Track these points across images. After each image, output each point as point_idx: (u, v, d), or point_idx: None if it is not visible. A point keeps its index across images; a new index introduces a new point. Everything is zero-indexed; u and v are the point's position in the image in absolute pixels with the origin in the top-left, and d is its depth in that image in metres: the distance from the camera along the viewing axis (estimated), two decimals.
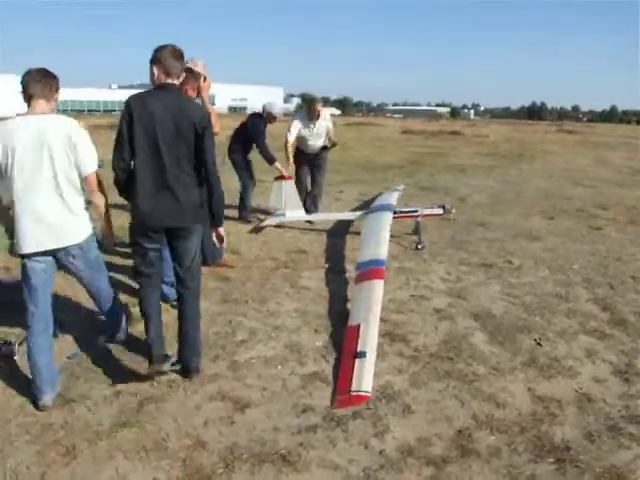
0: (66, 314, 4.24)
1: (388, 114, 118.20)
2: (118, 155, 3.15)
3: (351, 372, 3.41)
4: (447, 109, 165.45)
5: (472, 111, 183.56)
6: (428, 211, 7.01)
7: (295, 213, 7.27)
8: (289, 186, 7.26)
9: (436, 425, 3.08)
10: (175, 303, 4.10)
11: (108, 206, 3.36)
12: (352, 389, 3.26)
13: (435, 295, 5.03)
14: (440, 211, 6.99)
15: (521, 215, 8.84)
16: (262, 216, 7.75)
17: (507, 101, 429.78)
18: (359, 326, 3.88)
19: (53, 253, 3.15)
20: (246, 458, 2.76)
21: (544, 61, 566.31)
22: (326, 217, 7.70)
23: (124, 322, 3.90)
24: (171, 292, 4.19)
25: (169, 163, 3.13)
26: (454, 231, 7.50)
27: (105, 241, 3.55)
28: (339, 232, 7.25)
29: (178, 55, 3.22)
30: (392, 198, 7.47)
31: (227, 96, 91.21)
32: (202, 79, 4.11)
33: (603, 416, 3.20)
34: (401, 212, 6.85)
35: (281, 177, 7.29)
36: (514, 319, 4.53)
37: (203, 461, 2.74)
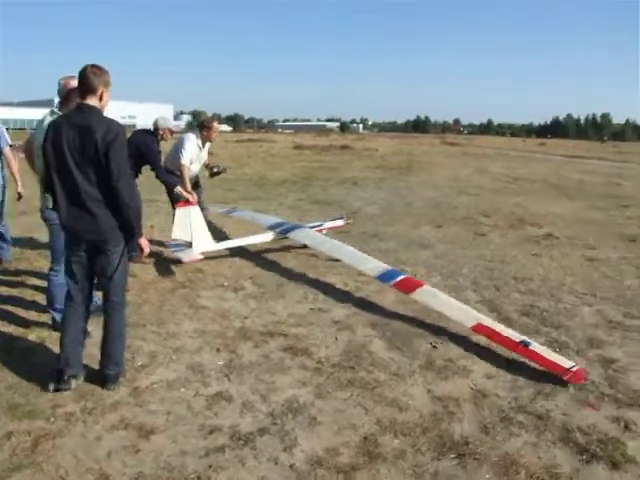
0: None
1: (279, 130, 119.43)
2: (45, 178, 3.49)
3: (543, 356, 3.85)
4: (336, 124, 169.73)
5: (361, 125, 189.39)
6: (331, 224, 7.24)
7: (204, 243, 6.38)
8: (195, 213, 6.35)
9: (343, 434, 3.13)
10: None
11: None
12: (567, 368, 3.69)
13: (334, 307, 5.13)
14: (341, 222, 7.28)
15: (412, 225, 9.23)
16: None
17: (394, 115, 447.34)
18: (481, 324, 4.27)
19: None
20: None
21: (427, 77, 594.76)
22: (238, 243, 6.92)
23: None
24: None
25: (80, 180, 3.28)
26: (349, 243, 7.66)
27: None
28: (235, 250, 7.19)
29: (94, 75, 3.30)
30: (270, 217, 7.63)
31: (115, 114, 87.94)
32: None
33: (496, 409, 3.41)
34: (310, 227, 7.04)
35: (186, 203, 6.40)
36: (410, 325, 4.71)
37: None
